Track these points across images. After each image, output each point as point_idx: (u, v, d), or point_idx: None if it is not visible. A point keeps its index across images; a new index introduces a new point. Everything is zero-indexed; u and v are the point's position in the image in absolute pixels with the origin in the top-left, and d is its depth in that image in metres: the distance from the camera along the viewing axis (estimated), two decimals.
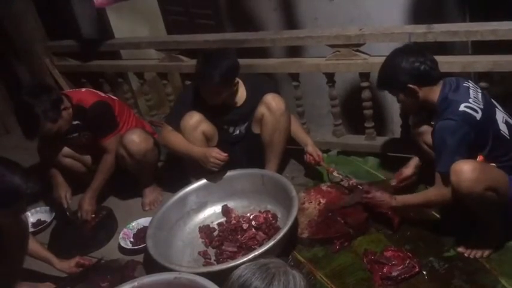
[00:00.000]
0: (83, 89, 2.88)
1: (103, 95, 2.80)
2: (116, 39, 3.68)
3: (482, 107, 1.93)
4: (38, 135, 2.54)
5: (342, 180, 2.53)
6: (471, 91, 1.97)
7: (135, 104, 3.71)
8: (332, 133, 2.98)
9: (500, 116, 1.99)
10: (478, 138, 1.91)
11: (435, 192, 2.00)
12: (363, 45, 2.58)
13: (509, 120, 2.02)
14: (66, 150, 2.80)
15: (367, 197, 2.23)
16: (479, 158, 1.95)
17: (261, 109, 2.53)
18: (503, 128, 1.96)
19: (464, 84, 2.00)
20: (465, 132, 1.88)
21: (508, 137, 1.96)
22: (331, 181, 2.61)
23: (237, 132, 2.65)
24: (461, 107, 1.90)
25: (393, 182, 2.37)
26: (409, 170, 2.35)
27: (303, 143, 2.65)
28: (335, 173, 2.57)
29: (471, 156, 1.91)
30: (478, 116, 1.90)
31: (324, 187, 2.52)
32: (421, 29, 2.41)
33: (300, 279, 1.21)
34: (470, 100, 1.93)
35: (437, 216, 2.26)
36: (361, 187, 2.36)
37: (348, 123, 3.32)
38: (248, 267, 1.25)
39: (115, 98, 2.95)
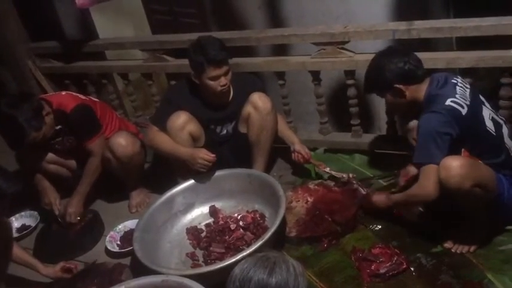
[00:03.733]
0: (63, 93, 2.84)
1: (83, 97, 2.76)
2: (99, 40, 3.63)
3: (468, 103, 1.93)
4: (24, 145, 2.49)
5: (342, 177, 2.49)
6: (458, 88, 1.97)
7: (120, 104, 3.67)
8: (318, 131, 2.98)
9: (486, 112, 2.00)
10: (463, 133, 1.91)
11: (416, 186, 1.99)
12: (347, 42, 2.58)
13: (495, 117, 2.03)
14: (50, 156, 2.76)
15: (368, 205, 2.27)
16: (464, 153, 1.96)
17: (248, 108, 2.51)
18: (489, 124, 1.97)
19: (453, 81, 2.01)
20: (449, 126, 1.88)
21: (494, 134, 1.96)
22: (324, 178, 2.60)
23: (224, 131, 2.63)
24: (448, 101, 1.91)
25: (401, 182, 2.30)
26: (414, 168, 2.24)
27: (290, 141, 2.64)
28: (327, 170, 2.57)
29: (455, 151, 1.92)
30: (464, 111, 1.90)
31: (311, 185, 2.52)
32: (404, 25, 2.41)
33: (298, 266, 1.27)
34: (457, 95, 1.94)
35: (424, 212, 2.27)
36: (357, 186, 2.36)
37: (334, 120, 3.32)
38: (248, 261, 1.28)
39: (96, 99, 2.92)
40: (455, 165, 1.81)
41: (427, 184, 1.90)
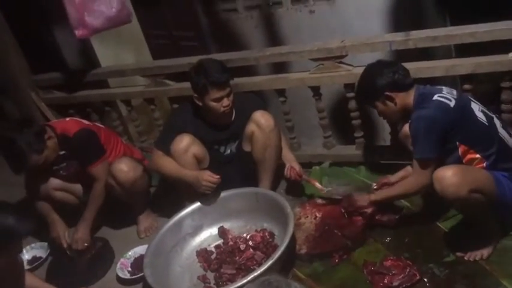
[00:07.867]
0: (67, 119, 2.87)
1: (87, 123, 2.79)
2: (100, 69, 3.68)
3: (455, 97, 2.01)
4: (26, 168, 2.52)
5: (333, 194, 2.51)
6: (443, 89, 2.06)
7: (124, 130, 3.69)
8: (323, 145, 2.99)
9: (475, 106, 2.05)
10: (454, 124, 1.96)
11: (413, 180, 2.08)
12: (345, 56, 2.60)
13: (485, 110, 2.07)
14: (56, 182, 2.77)
15: (345, 205, 2.32)
16: (461, 148, 1.98)
17: (251, 127, 2.52)
18: (480, 115, 2.02)
19: (437, 87, 2.10)
20: (440, 118, 1.95)
21: (486, 124, 2.00)
22: (321, 196, 2.58)
23: (228, 151, 2.64)
24: (435, 97, 2.00)
25: (374, 186, 2.41)
26: (394, 178, 2.36)
27: (287, 159, 2.64)
28: (319, 186, 2.55)
29: (450, 144, 1.98)
30: (452, 103, 1.98)
31: (318, 201, 2.51)
32: (400, 36, 2.44)
33: None
34: (444, 92, 2.03)
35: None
36: (339, 197, 2.43)
37: (339, 133, 3.33)
38: (250, 287, 1.24)
39: (101, 125, 2.94)
40: (448, 175, 1.84)
41: (424, 178, 1.99)
